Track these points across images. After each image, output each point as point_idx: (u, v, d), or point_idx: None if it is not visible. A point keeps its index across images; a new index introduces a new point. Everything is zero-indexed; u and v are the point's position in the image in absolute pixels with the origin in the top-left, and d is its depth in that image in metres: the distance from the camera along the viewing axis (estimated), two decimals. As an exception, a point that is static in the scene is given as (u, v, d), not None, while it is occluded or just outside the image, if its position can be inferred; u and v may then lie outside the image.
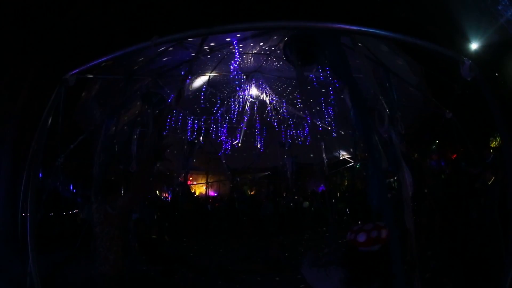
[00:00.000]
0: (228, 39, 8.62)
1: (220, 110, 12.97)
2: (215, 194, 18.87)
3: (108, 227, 4.39)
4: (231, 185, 17.43)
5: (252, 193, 18.69)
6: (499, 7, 6.47)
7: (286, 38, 8.83)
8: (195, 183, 18.75)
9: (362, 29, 4.24)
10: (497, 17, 6.65)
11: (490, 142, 8.42)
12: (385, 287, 2.78)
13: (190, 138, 13.34)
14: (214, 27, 4.59)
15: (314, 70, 9.48)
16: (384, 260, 2.81)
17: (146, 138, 7.72)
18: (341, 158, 15.38)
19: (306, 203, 16.20)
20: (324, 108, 12.36)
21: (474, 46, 7.57)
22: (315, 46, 8.21)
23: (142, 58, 7.79)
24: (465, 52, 7.46)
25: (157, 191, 16.58)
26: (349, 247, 2.82)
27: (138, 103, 9.11)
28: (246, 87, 11.79)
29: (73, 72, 4.99)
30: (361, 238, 2.73)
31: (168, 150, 11.91)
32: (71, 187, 13.22)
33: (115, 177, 6.69)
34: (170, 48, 7.67)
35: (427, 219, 8.00)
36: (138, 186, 4.64)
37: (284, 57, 7.80)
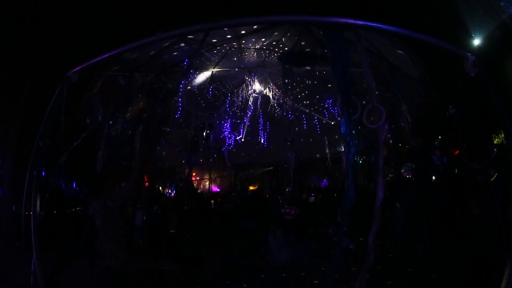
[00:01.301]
0: (231, 35, 8.64)
1: (224, 105, 12.99)
2: (219, 190, 18.87)
3: (109, 219, 4.49)
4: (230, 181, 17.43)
5: (253, 188, 18.72)
6: (502, 3, 6.40)
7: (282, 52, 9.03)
8: (198, 178, 18.76)
9: (368, 23, 4.19)
10: (499, 13, 6.58)
11: (493, 139, 8.33)
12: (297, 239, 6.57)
13: (193, 134, 13.34)
14: (219, 21, 4.56)
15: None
16: (295, 225, 6.69)
17: (146, 133, 7.79)
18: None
19: (312, 198, 16.10)
20: (327, 103, 12.38)
21: (476, 42, 7.48)
22: (308, 60, 8.50)
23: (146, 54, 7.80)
24: (468, 47, 7.39)
25: (160, 187, 16.58)
26: (279, 215, 6.88)
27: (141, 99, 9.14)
28: (250, 82, 11.79)
29: (76, 69, 4.99)
30: (283, 211, 6.80)
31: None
32: (74, 185, 13.27)
33: (113, 171, 6.71)
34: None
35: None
36: (138, 178, 4.76)
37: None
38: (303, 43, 8.82)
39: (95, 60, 4.99)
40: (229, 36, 8.80)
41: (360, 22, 4.16)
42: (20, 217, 4.82)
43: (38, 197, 4.41)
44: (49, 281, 4.39)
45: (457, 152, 9.81)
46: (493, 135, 8.05)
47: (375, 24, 4.23)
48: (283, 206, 6.92)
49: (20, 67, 8.12)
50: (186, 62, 8.94)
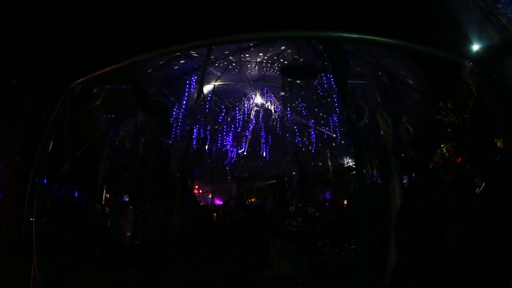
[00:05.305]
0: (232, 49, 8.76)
1: (225, 119, 13.08)
2: (221, 203, 18.82)
3: None
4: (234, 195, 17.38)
5: (252, 200, 18.71)
6: (499, 5, 6.39)
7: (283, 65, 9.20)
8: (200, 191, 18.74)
9: (364, 37, 4.24)
10: (498, 16, 6.56)
11: (497, 143, 8.21)
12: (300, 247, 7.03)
13: (195, 147, 13.39)
14: (218, 37, 4.63)
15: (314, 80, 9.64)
16: (297, 236, 7.50)
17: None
18: (347, 165, 15.35)
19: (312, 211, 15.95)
20: (329, 115, 12.44)
21: (475, 47, 7.46)
22: (310, 71, 8.62)
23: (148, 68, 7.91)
24: (468, 53, 7.37)
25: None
26: (285, 227, 8.18)
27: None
28: (251, 95, 11.91)
29: (79, 81, 5.07)
30: (287, 222, 8.16)
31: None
32: (76, 193, 13.31)
33: None
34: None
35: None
36: None
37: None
38: (301, 59, 8.92)
39: (98, 72, 5.07)
40: (227, 52, 8.93)
41: (356, 36, 4.19)
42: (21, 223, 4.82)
43: (40, 204, 4.42)
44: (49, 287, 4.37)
45: (459, 159, 9.73)
46: (496, 140, 7.90)
47: (372, 37, 4.28)
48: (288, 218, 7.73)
49: (24, 76, 8.22)
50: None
